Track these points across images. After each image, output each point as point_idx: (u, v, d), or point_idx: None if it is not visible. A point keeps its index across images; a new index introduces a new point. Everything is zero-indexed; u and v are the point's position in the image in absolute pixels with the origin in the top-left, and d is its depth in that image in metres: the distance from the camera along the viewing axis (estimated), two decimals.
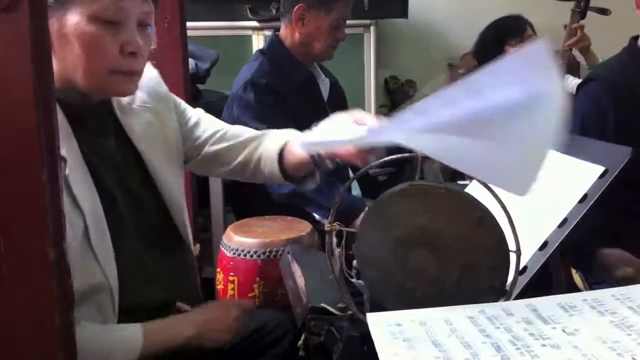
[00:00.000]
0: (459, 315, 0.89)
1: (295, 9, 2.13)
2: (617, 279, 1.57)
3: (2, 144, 0.73)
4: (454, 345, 0.80)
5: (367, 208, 1.10)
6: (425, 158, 1.09)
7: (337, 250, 1.10)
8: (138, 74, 1.17)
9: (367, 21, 3.23)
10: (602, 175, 1.17)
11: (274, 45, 2.21)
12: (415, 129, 0.80)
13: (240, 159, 1.41)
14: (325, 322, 0.99)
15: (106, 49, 1.09)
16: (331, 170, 1.39)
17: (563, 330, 0.83)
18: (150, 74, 1.31)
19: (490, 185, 0.99)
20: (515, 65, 0.74)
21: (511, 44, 2.89)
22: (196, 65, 2.69)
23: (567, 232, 1.13)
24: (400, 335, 0.83)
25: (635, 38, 1.89)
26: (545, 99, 0.74)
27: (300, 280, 1.16)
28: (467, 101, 0.76)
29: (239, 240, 1.62)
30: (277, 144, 1.37)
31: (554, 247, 1.12)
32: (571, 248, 1.62)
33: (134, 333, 1.13)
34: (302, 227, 1.66)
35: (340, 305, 1.03)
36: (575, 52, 2.75)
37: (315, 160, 1.33)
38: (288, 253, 1.31)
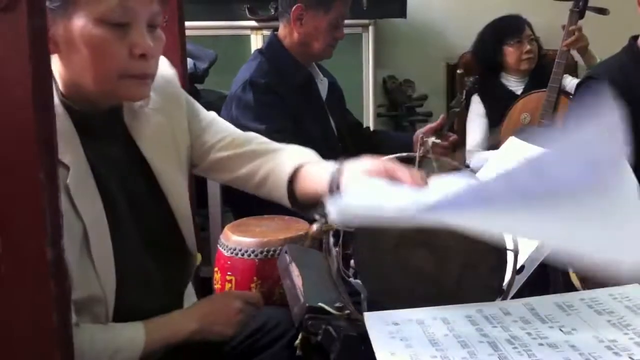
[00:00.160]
0: (457, 314, 0.89)
1: (293, 9, 2.13)
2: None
3: (0, 144, 0.73)
4: (451, 345, 0.80)
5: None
6: (424, 157, 1.09)
7: (334, 250, 1.10)
8: (150, 76, 1.12)
9: (366, 21, 3.23)
10: None
11: (273, 45, 2.21)
12: (481, 210, 0.76)
13: (244, 170, 1.31)
14: (323, 321, 0.99)
15: (114, 52, 1.05)
16: None
17: (560, 330, 0.83)
18: (164, 74, 1.26)
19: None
20: (583, 145, 0.73)
21: (509, 44, 2.89)
22: (194, 64, 2.68)
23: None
24: (397, 334, 0.83)
25: (634, 37, 1.89)
26: (616, 179, 0.72)
27: (298, 280, 1.16)
28: (534, 180, 0.74)
29: (237, 240, 1.61)
30: (289, 167, 1.24)
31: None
32: None
33: (135, 331, 1.13)
34: (300, 227, 1.66)
35: (337, 304, 1.03)
36: (573, 52, 2.75)
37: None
38: (286, 252, 1.31)
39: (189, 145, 1.30)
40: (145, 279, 1.19)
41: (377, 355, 0.78)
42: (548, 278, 1.36)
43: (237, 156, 1.31)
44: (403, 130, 3.41)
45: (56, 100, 1.08)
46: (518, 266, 1.04)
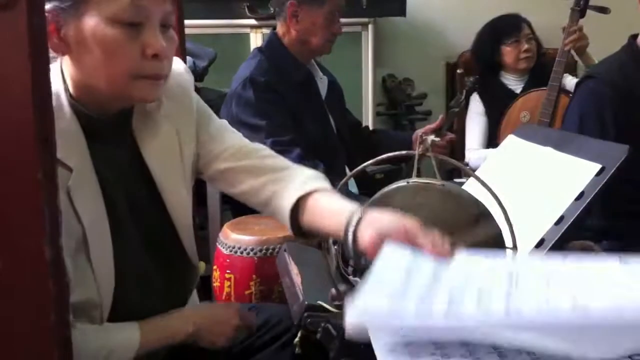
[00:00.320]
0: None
1: (287, 6, 2.13)
2: None
3: None
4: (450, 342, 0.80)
5: (364, 205, 1.10)
6: (423, 155, 1.09)
7: (333, 248, 1.10)
8: (163, 77, 1.09)
9: (365, 19, 3.23)
10: (599, 173, 1.18)
11: (272, 43, 2.21)
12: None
13: (246, 186, 1.24)
14: (322, 319, 0.99)
15: (127, 52, 1.03)
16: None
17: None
18: (180, 79, 1.25)
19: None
20: None
21: (507, 44, 2.89)
22: (194, 63, 2.69)
23: (563, 230, 1.13)
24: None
25: (634, 36, 1.89)
26: None
27: (297, 278, 1.16)
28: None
29: (236, 238, 1.62)
30: (293, 196, 1.15)
31: (551, 244, 1.12)
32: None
33: (131, 332, 1.13)
34: None
35: (336, 302, 1.03)
36: (573, 52, 2.74)
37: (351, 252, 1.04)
38: (285, 250, 1.32)
39: (194, 154, 1.26)
40: (145, 286, 1.18)
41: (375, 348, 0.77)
42: None
43: (240, 169, 1.25)
44: (402, 129, 3.41)
45: (65, 102, 1.07)
46: None
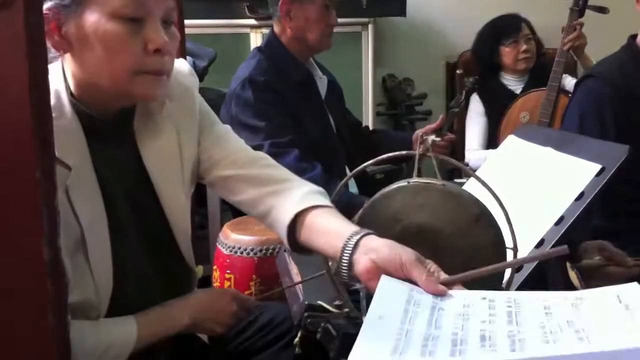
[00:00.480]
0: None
1: (280, 5, 2.13)
2: (582, 267, 1.56)
3: None
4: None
5: (364, 205, 1.09)
6: (424, 155, 1.09)
7: None
8: (165, 73, 1.08)
9: (365, 19, 3.23)
10: (599, 173, 1.17)
11: (272, 43, 2.21)
12: None
13: (246, 196, 1.23)
14: (322, 319, 0.99)
15: (129, 47, 1.02)
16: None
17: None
18: (185, 82, 1.25)
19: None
20: None
21: (506, 44, 2.89)
22: (194, 63, 2.68)
23: (563, 230, 1.13)
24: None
25: (633, 36, 1.89)
26: None
27: (297, 278, 1.16)
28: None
29: (236, 238, 1.62)
30: (291, 212, 1.13)
31: (551, 245, 1.12)
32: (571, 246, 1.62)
33: (128, 327, 1.12)
34: None
35: (336, 302, 1.03)
36: (571, 52, 2.74)
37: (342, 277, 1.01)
38: (285, 251, 1.31)
39: (195, 159, 1.25)
40: (144, 287, 1.18)
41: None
42: (547, 277, 1.35)
43: (240, 177, 1.24)
44: (402, 129, 3.41)
45: (66, 101, 1.06)
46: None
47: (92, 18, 1.01)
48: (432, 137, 1.08)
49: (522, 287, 1.08)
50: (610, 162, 1.18)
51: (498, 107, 2.89)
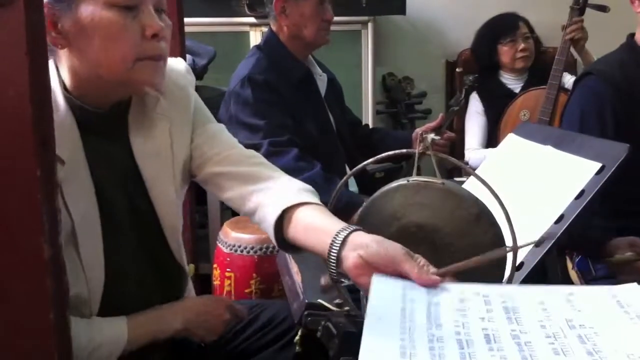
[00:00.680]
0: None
1: (274, 3, 2.13)
2: (613, 261, 1.57)
3: None
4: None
5: (364, 204, 1.09)
6: (423, 154, 1.09)
7: None
8: (163, 58, 1.10)
9: (365, 18, 3.22)
10: (599, 172, 1.17)
11: (271, 41, 2.21)
12: None
13: (235, 193, 1.23)
14: (322, 318, 0.99)
15: (128, 34, 1.04)
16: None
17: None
18: (179, 80, 1.26)
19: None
20: None
21: (503, 43, 2.89)
22: (193, 61, 2.68)
23: (564, 228, 1.13)
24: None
25: (632, 35, 1.89)
26: None
27: (297, 276, 1.16)
28: None
29: (236, 236, 1.62)
30: (278, 209, 1.12)
31: (551, 243, 1.12)
32: (580, 239, 1.62)
33: (119, 327, 1.12)
34: None
35: (337, 301, 1.03)
36: (572, 50, 2.74)
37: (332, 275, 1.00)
38: None
39: (187, 156, 1.26)
40: (136, 283, 1.18)
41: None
42: (547, 274, 1.36)
43: (231, 175, 1.24)
44: (402, 128, 3.41)
45: (59, 95, 1.07)
46: (517, 263, 1.04)
47: (87, 10, 1.03)
48: (432, 136, 1.08)
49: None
50: (610, 161, 1.17)
51: (497, 106, 2.89)
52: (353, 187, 2.40)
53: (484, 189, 1.02)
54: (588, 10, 2.59)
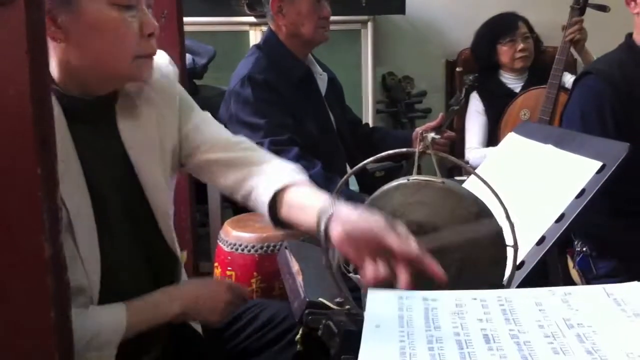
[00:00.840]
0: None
1: (271, 3, 2.13)
2: None
3: None
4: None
5: (364, 203, 1.09)
6: (423, 153, 1.09)
7: None
8: (154, 55, 1.16)
9: (365, 17, 3.23)
10: (599, 171, 1.17)
11: (270, 40, 2.21)
12: None
13: (226, 180, 1.27)
14: (323, 316, 0.99)
15: (130, 33, 1.08)
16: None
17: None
18: (163, 69, 1.27)
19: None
20: None
21: (503, 43, 2.89)
22: (193, 60, 2.68)
23: (564, 227, 1.13)
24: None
25: (631, 34, 1.89)
26: None
27: (298, 275, 1.16)
28: None
29: (237, 235, 1.62)
30: (270, 190, 1.17)
31: (552, 242, 1.12)
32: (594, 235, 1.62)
33: (117, 314, 1.12)
34: None
35: (337, 299, 1.03)
36: (571, 50, 2.74)
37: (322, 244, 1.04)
38: (285, 248, 1.31)
39: (176, 143, 1.28)
40: (131, 272, 1.18)
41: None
42: (547, 273, 1.36)
43: (222, 161, 1.27)
44: (402, 127, 3.41)
45: None
46: (518, 262, 1.04)
47: (92, 7, 1.05)
48: (432, 135, 1.08)
49: (523, 285, 1.08)
50: (611, 160, 1.18)
51: (497, 105, 2.89)
52: (353, 186, 2.40)
53: (485, 188, 1.02)
54: (588, 10, 2.59)
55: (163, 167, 1.24)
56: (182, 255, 1.35)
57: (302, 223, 1.10)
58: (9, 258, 0.74)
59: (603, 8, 2.56)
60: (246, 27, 3.16)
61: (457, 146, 3.04)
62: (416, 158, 1.08)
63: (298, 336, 1.04)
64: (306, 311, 1.01)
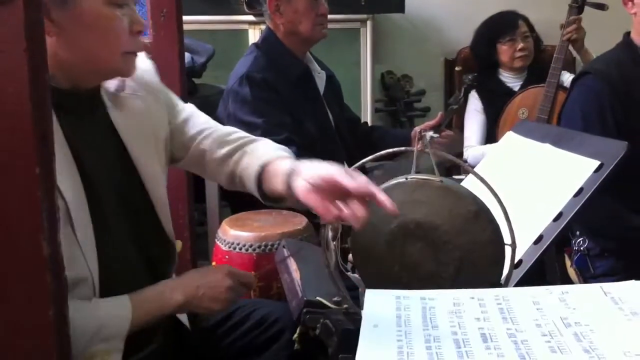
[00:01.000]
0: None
1: (268, 2, 2.13)
2: None
3: None
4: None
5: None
6: (422, 151, 1.09)
7: (332, 244, 1.10)
8: (141, 51, 1.20)
9: (364, 16, 3.22)
10: (597, 170, 1.18)
11: (269, 38, 2.21)
12: None
13: (221, 174, 1.36)
14: (321, 315, 0.99)
15: (122, 30, 1.12)
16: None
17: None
18: (142, 65, 1.29)
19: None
20: None
21: (502, 42, 2.89)
22: (192, 59, 2.68)
23: (562, 226, 1.13)
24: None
25: (629, 33, 1.89)
26: None
27: (296, 274, 1.16)
28: None
29: (235, 234, 1.62)
30: (257, 166, 1.27)
31: (549, 241, 1.12)
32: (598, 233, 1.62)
33: (122, 307, 1.12)
34: (298, 221, 1.66)
35: (335, 298, 1.03)
36: (570, 48, 2.74)
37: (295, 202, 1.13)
38: (283, 247, 1.32)
39: (167, 136, 1.32)
40: (128, 262, 1.18)
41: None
42: (545, 272, 1.36)
43: (216, 152, 1.34)
44: (401, 126, 3.41)
45: None
46: (516, 260, 1.05)
47: (88, 4, 1.08)
48: (430, 134, 1.08)
49: (521, 283, 1.08)
50: (609, 159, 1.18)
51: (496, 104, 2.89)
52: None
53: (483, 186, 1.03)
54: (587, 9, 2.59)
55: (159, 157, 1.28)
56: (178, 244, 1.36)
57: (277, 189, 1.19)
58: (7, 256, 0.75)
59: (601, 6, 2.56)
60: (245, 26, 3.16)
61: (461, 145, 3.02)
62: (415, 157, 1.08)
63: (296, 335, 1.04)
64: (304, 310, 1.01)
